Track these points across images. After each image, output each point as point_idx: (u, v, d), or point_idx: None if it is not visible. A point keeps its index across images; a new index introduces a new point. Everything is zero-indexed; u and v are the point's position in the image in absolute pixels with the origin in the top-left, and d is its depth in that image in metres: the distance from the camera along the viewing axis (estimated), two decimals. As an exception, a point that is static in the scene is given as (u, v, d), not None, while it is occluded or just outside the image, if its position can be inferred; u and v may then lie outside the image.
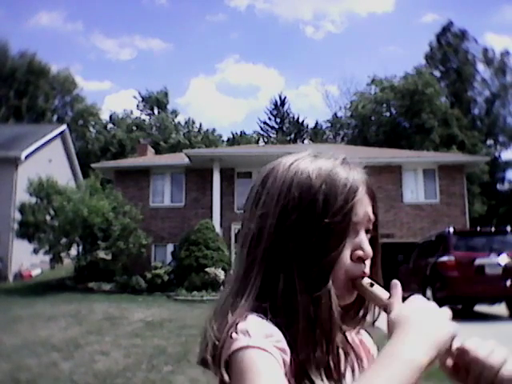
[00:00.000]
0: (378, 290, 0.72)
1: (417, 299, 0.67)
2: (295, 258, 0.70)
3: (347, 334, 0.78)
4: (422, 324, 0.62)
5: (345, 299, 0.73)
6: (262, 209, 0.74)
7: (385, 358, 0.59)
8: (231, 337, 0.62)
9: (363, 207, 0.75)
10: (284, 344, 0.63)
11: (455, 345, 0.63)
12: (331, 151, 0.82)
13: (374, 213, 0.78)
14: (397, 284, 0.71)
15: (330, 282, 0.69)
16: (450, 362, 0.64)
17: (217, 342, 0.65)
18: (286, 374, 0.60)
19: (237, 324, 0.64)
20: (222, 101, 68.71)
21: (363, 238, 0.74)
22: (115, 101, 65.64)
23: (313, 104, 68.06)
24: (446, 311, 0.65)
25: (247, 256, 0.75)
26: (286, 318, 0.67)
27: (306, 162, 0.77)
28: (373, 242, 0.77)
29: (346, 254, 0.72)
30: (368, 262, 0.74)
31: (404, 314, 0.64)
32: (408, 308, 0.65)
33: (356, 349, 0.80)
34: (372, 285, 0.72)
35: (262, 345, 0.60)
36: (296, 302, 0.68)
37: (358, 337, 0.83)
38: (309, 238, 0.70)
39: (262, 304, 0.68)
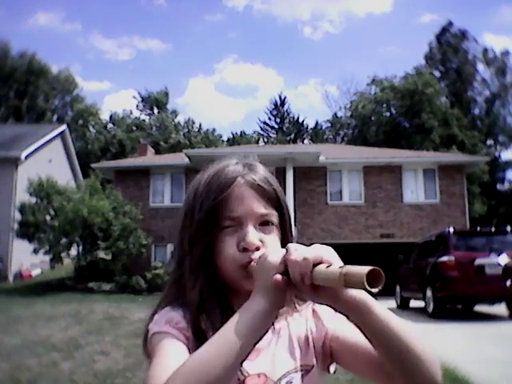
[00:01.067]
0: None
1: (266, 252, 0.79)
2: (186, 252, 0.87)
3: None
4: (258, 277, 0.76)
5: (245, 284, 0.82)
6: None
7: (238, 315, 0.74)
8: (148, 328, 0.84)
9: (242, 203, 0.85)
10: (183, 323, 0.81)
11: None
12: (252, 157, 0.95)
13: (280, 206, 0.90)
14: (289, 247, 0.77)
15: (201, 272, 0.85)
16: (279, 276, 0.73)
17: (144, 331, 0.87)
18: (188, 344, 0.79)
19: (152, 316, 0.86)
20: (220, 101, 68.85)
21: (248, 230, 0.83)
22: (114, 101, 65.83)
23: (312, 104, 68.12)
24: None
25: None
26: (185, 301, 0.85)
27: (213, 165, 0.92)
28: (282, 231, 0.90)
29: (231, 245, 0.83)
30: (260, 252, 0.82)
31: (255, 275, 0.78)
32: (258, 263, 0.79)
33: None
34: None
35: (162, 329, 0.80)
36: (185, 287, 0.86)
37: (310, 307, 0.93)
38: (186, 234, 0.88)
39: (176, 292, 0.88)
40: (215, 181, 0.87)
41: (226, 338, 0.70)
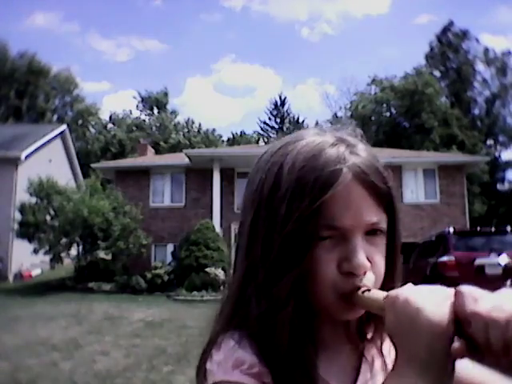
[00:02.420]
0: (376, 293, 0.60)
1: (404, 293, 0.53)
2: (263, 267, 0.62)
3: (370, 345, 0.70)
4: (407, 339, 0.51)
5: (344, 315, 0.64)
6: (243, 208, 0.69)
7: None
8: (206, 367, 0.61)
9: (350, 207, 0.61)
10: (258, 367, 0.58)
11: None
12: (345, 128, 0.71)
13: (394, 210, 0.66)
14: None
15: (291, 304, 0.60)
16: (459, 347, 0.49)
17: (199, 361, 0.65)
18: None
19: (211, 352, 0.62)
20: (219, 101, 68.84)
21: (355, 247, 0.61)
22: (113, 101, 65.88)
23: (311, 104, 68.07)
24: (436, 293, 0.52)
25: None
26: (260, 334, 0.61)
27: (296, 144, 0.65)
28: (389, 243, 0.66)
29: (329, 265, 0.61)
30: (369, 275, 0.62)
31: (391, 326, 0.54)
32: (395, 312, 0.53)
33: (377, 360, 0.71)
34: (367, 291, 0.61)
35: (230, 378, 0.57)
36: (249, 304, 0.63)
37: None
38: (270, 245, 0.62)
39: (239, 312, 0.64)
40: (310, 173, 0.61)
41: None
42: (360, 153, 0.65)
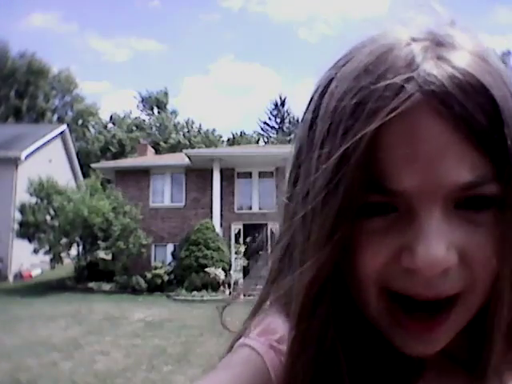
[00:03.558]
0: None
1: None
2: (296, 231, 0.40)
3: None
4: None
5: (407, 347, 0.38)
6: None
7: None
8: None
9: (417, 154, 0.35)
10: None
11: None
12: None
13: (500, 153, 0.35)
14: None
15: (326, 302, 0.38)
16: None
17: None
18: None
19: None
20: (218, 100, 68.93)
21: (422, 227, 0.35)
22: (112, 101, 65.89)
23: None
24: None
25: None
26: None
27: (357, 50, 0.41)
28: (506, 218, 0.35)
29: (380, 256, 0.36)
30: (454, 275, 0.36)
31: None
32: None
33: None
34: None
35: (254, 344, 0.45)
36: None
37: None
38: (297, 193, 0.40)
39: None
40: (353, 95, 0.36)
41: None
42: (454, 58, 0.36)
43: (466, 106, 0.34)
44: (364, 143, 0.34)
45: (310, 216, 0.37)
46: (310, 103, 0.42)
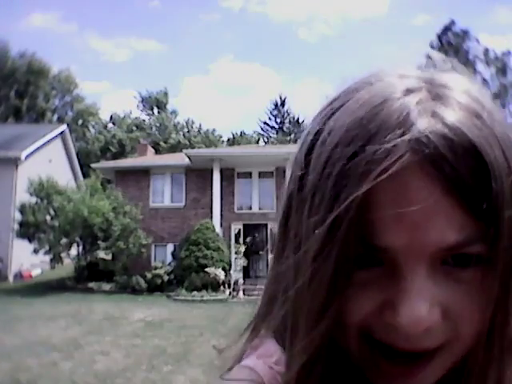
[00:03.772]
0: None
1: None
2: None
3: None
4: None
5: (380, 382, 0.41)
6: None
7: None
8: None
9: (404, 213, 0.34)
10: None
11: None
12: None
13: (497, 214, 0.34)
14: None
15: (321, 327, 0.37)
16: None
17: None
18: None
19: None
20: (218, 100, 68.95)
21: (406, 285, 0.35)
22: (112, 101, 65.89)
23: (310, 103, 68.15)
24: None
25: None
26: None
27: (353, 96, 0.39)
28: (494, 276, 0.35)
29: (364, 307, 0.37)
30: (436, 332, 0.36)
31: None
32: None
33: None
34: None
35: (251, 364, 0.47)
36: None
37: None
38: (292, 224, 0.40)
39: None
40: (345, 152, 0.36)
41: None
42: (448, 115, 0.35)
43: (457, 168, 0.34)
44: (355, 205, 0.34)
45: (301, 289, 0.37)
46: (302, 144, 0.42)
